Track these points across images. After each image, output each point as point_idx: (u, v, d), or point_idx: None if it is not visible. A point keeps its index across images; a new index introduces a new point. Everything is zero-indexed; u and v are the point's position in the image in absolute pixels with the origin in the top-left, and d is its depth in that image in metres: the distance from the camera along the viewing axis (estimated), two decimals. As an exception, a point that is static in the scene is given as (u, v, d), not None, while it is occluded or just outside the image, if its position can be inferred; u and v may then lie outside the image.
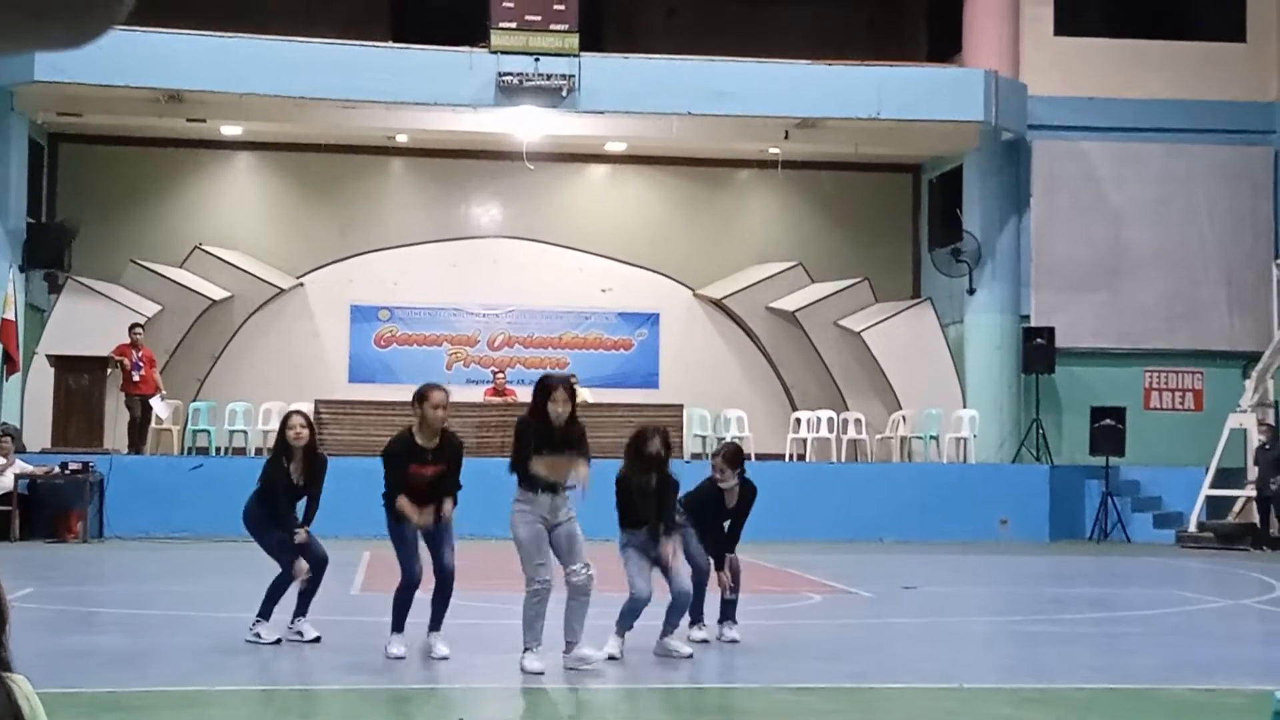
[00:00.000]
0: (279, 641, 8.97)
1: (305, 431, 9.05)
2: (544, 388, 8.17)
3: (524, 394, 21.39)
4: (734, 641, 9.24)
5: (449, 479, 8.49)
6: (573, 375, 22.30)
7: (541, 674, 7.85)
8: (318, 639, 9.03)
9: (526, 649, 8.01)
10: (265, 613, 9.06)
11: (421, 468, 8.43)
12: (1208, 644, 9.95)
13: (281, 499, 9.02)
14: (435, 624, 8.55)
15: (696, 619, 9.33)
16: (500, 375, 22.14)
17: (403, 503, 8.34)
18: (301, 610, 9.14)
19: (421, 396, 8.46)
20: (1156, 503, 21.41)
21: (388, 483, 8.49)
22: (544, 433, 8.04)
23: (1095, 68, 22.70)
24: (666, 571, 8.63)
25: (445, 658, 8.40)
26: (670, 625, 8.72)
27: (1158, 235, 22.65)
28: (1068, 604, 12.73)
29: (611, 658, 8.41)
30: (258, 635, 8.99)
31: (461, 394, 22.03)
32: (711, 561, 9.22)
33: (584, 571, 8.05)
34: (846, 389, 23.07)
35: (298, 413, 9.28)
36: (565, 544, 8.08)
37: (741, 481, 9.36)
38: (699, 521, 9.20)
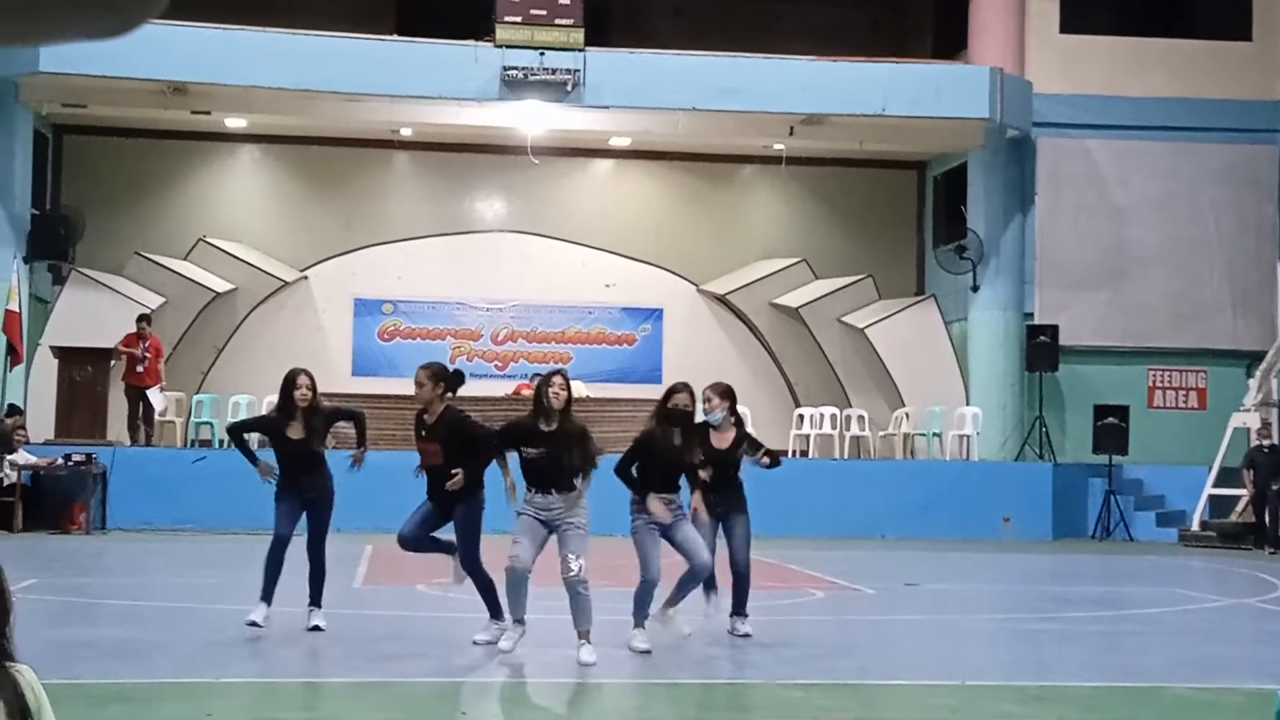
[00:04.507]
0: (258, 624, 8.87)
1: (310, 393, 9.07)
2: (542, 381, 8.45)
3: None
4: (747, 635, 9.17)
5: (449, 464, 8.50)
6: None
7: (508, 651, 8.09)
8: (316, 628, 8.98)
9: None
10: (264, 594, 9.01)
11: (422, 444, 8.56)
12: (1210, 642, 9.95)
13: (279, 457, 9.05)
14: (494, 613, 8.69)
15: (709, 588, 9.28)
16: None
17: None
18: (314, 599, 9.09)
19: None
20: (1159, 501, 21.40)
21: None
22: (531, 427, 8.25)
23: (1101, 65, 22.66)
24: (682, 547, 8.60)
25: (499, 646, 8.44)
26: (679, 596, 8.73)
27: (1162, 233, 22.62)
28: (1070, 602, 12.72)
29: (645, 652, 8.39)
30: (253, 621, 8.93)
31: (464, 388, 22.03)
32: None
33: (574, 566, 8.04)
34: (849, 385, 23.05)
35: (304, 373, 9.21)
36: (561, 544, 8.11)
37: (736, 421, 9.32)
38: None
